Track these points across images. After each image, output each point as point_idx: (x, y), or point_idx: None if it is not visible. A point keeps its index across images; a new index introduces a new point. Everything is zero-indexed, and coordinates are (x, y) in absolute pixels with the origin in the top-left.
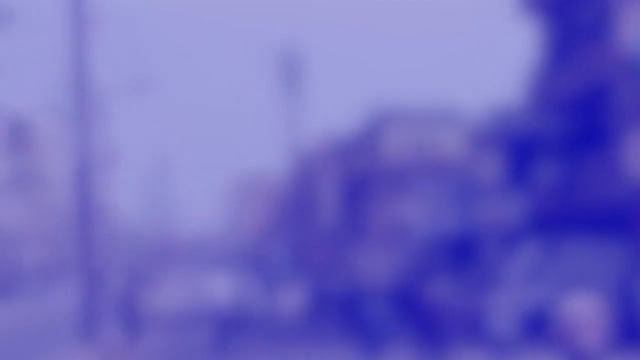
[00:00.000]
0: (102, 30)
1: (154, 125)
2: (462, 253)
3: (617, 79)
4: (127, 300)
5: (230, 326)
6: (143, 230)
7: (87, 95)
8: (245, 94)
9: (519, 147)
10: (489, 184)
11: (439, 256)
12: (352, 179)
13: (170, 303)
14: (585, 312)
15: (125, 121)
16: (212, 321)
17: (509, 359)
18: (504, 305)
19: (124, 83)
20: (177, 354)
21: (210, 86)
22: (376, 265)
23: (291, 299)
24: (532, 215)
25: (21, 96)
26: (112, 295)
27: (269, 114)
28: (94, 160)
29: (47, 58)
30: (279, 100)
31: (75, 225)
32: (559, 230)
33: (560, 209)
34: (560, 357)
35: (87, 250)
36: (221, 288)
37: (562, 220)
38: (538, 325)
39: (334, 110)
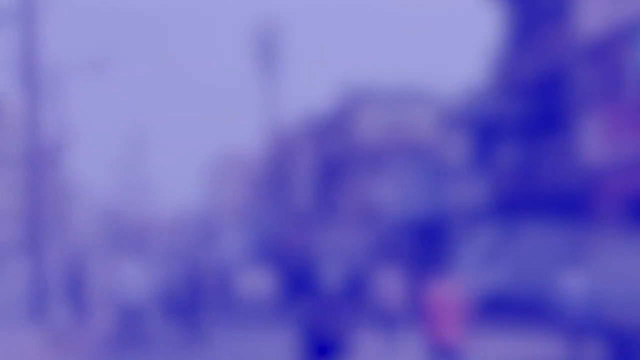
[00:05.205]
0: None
1: (128, 104)
2: (425, 235)
3: (577, 64)
4: (77, 282)
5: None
6: (117, 209)
7: (55, 74)
8: (221, 73)
9: (482, 130)
10: (455, 166)
11: (402, 237)
12: (326, 158)
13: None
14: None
15: (98, 100)
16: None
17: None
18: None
19: (92, 60)
20: (130, 336)
21: (186, 64)
22: (345, 244)
23: (260, 279)
24: (492, 197)
25: None
26: (66, 276)
27: (245, 93)
28: (64, 139)
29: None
30: (255, 80)
31: (42, 205)
32: (517, 213)
33: (518, 191)
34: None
35: (48, 230)
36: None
37: (520, 203)
38: (496, 307)
39: (308, 90)
